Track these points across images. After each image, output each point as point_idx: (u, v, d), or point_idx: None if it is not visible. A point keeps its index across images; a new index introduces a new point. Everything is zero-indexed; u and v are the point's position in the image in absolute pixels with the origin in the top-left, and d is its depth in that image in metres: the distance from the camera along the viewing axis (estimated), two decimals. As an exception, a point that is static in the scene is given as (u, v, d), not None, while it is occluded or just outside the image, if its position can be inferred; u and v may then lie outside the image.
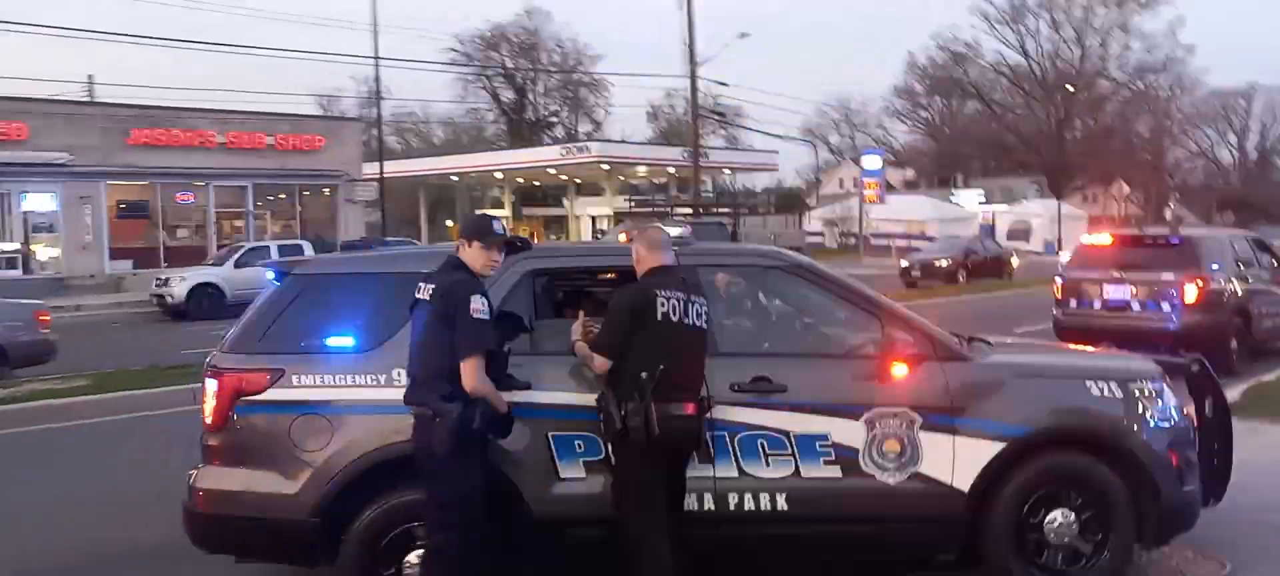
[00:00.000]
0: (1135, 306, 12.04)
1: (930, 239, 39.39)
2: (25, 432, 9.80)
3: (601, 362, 4.33)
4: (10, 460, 8.85)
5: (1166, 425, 4.92)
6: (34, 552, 6.06)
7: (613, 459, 4.42)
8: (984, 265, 31.25)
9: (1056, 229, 51.33)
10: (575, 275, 5.14)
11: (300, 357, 4.61)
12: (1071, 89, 66.38)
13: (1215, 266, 11.94)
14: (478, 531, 4.15)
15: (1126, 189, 64.66)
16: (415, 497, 4.39)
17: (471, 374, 4.01)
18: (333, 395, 4.54)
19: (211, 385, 4.64)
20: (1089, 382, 4.91)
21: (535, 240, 5.51)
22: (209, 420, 4.64)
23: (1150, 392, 4.94)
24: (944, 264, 30.38)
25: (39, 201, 29.47)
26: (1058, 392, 4.95)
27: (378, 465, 4.47)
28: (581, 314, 4.57)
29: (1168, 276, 11.81)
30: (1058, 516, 4.74)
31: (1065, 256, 34.18)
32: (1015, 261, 33.58)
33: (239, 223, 33.37)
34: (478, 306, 4.05)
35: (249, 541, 4.69)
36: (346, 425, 4.51)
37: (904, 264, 31.63)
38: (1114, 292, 12.21)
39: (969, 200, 64.12)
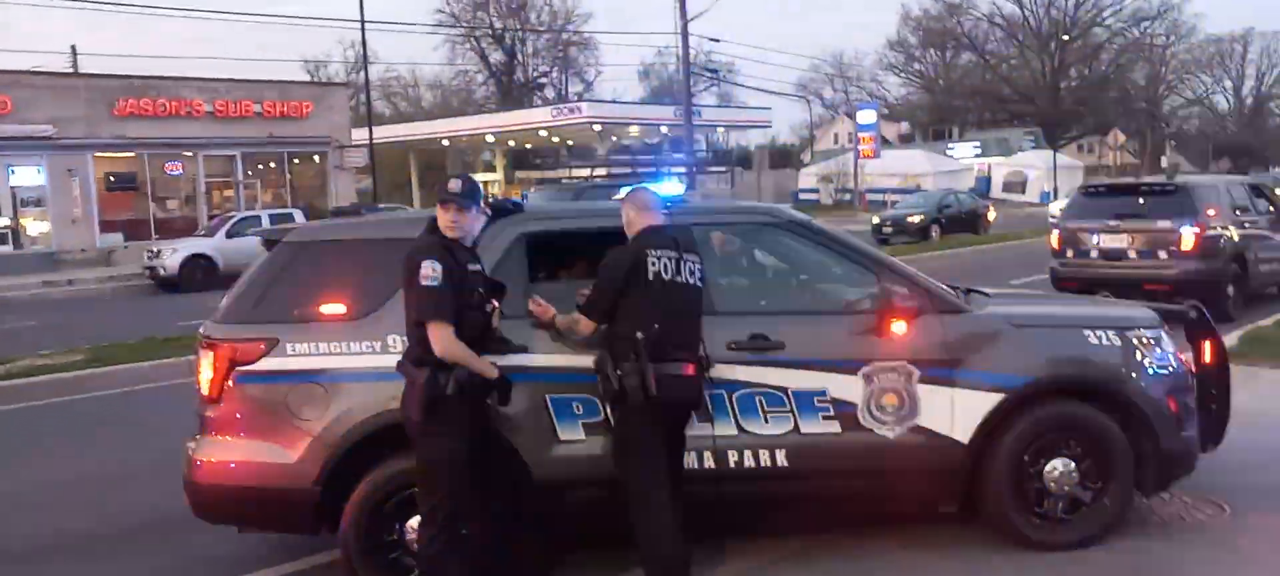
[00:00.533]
0: (1132, 255, 12.04)
1: (911, 193, 38.72)
2: (24, 409, 9.79)
3: (587, 325, 4.31)
4: (10, 435, 8.84)
5: (1165, 372, 4.92)
6: (38, 528, 6.06)
7: (612, 420, 4.40)
8: (959, 219, 30.44)
9: (1052, 179, 51.26)
10: (567, 236, 5.09)
11: (295, 326, 4.57)
12: (1066, 38, 66.06)
13: (1211, 213, 11.92)
14: (463, 495, 4.13)
15: (1122, 138, 64.42)
16: (414, 464, 4.39)
17: (438, 339, 3.96)
18: (329, 363, 4.51)
19: (207, 356, 4.61)
20: (1087, 331, 4.91)
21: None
22: (205, 391, 4.62)
23: (1148, 340, 4.94)
24: (916, 220, 29.34)
25: (26, 175, 29.24)
26: (1056, 342, 4.94)
27: (376, 431, 4.45)
28: (536, 297, 4.48)
29: (1164, 224, 11.81)
30: (1057, 465, 4.76)
31: (1057, 207, 33.79)
32: (992, 215, 32.59)
33: (229, 192, 33.18)
34: (427, 271, 3.95)
35: (250, 511, 4.68)
36: (343, 392, 4.48)
37: (875, 220, 30.63)
38: (1110, 242, 12.21)
39: (964, 153, 63.93)
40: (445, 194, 4.16)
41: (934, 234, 28.80)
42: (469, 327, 4.05)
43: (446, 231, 4.14)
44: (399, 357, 4.23)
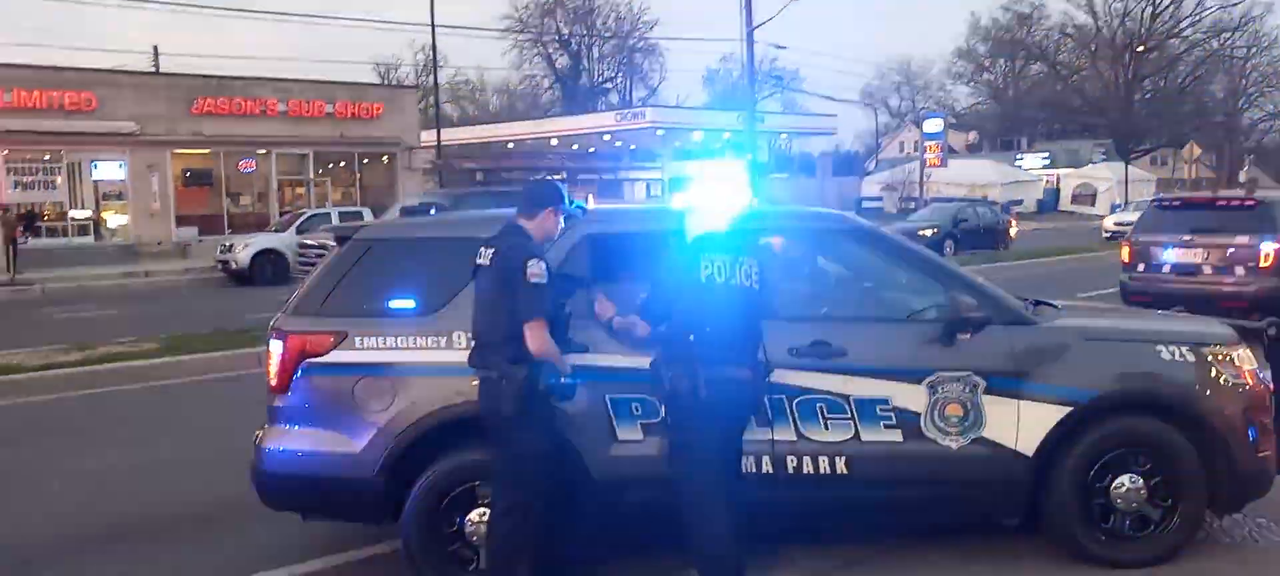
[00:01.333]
0: (1207, 270, 11.70)
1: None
2: (98, 394, 10.12)
3: (643, 327, 4.35)
4: (84, 422, 9.15)
5: (1241, 390, 4.78)
6: (111, 512, 6.26)
7: (668, 421, 4.42)
8: (977, 234, 28.17)
9: (1124, 192, 50.06)
10: (633, 238, 5.12)
11: (363, 320, 4.67)
12: (1141, 49, 64.45)
13: (1292, 229, 11.53)
14: (545, 491, 4.19)
15: (1198, 151, 62.73)
16: (477, 457, 4.46)
17: (536, 337, 4.05)
18: (395, 357, 4.60)
19: (277, 347, 4.72)
20: (1160, 346, 4.79)
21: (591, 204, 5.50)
22: (274, 382, 4.73)
23: (1223, 357, 4.81)
24: (927, 232, 26.75)
25: (108, 170, 30.21)
26: (1126, 356, 4.84)
27: (440, 425, 4.54)
28: (600, 293, 4.54)
29: (1242, 239, 11.46)
30: (1125, 481, 4.66)
31: (1112, 220, 32.51)
32: (1014, 230, 30.30)
33: (300, 190, 33.91)
34: (535, 271, 4.07)
35: (314, 499, 4.78)
36: (409, 386, 4.57)
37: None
38: (1184, 256, 11.89)
39: (1033, 163, 62.76)
40: (562, 203, 4.39)
41: (948, 249, 26.32)
42: (557, 329, 4.17)
43: (542, 235, 4.28)
44: (466, 353, 4.30)
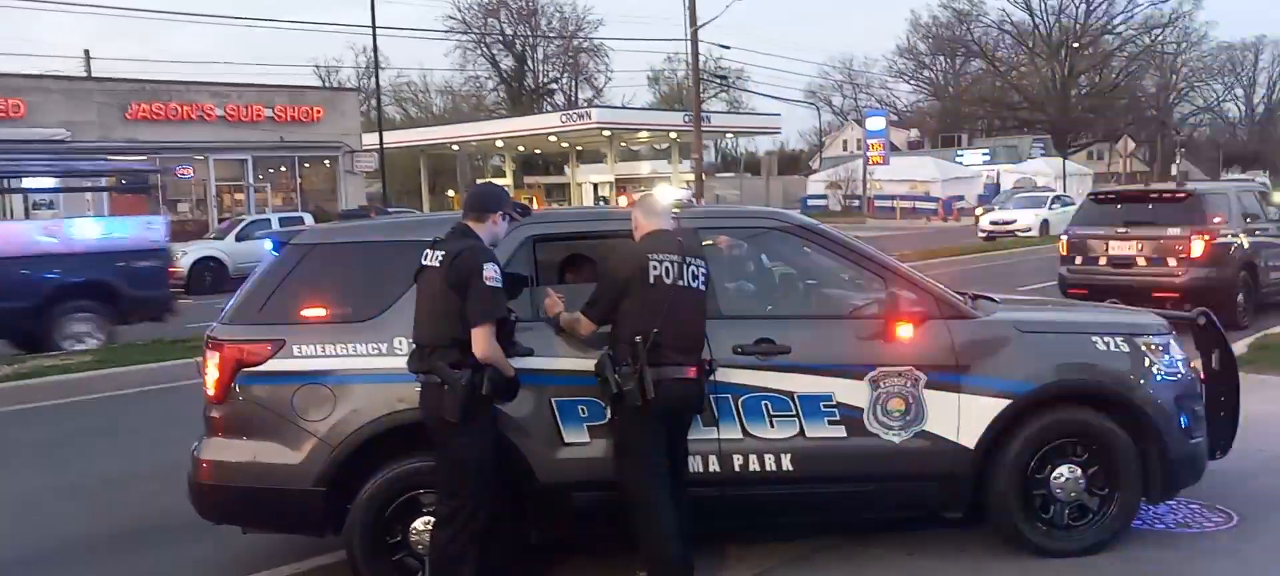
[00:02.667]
0: (1141, 262, 12.00)
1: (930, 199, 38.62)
2: (32, 409, 9.83)
3: (587, 326, 4.32)
4: (16, 438, 8.87)
5: (1173, 379, 4.90)
6: (43, 530, 6.08)
7: (614, 422, 4.40)
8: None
9: (1061, 187, 51.12)
10: (575, 240, 5.10)
11: (301, 327, 4.59)
12: (1076, 45, 65.87)
13: (1220, 220, 11.88)
14: (490, 496, 4.15)
15: (1132, 145, 64.18)
16: (419, 465, 4.40)
17: (483, 341, 4.00)
18: (334, 364, 4.52)
19: (213, 357, 4.61)
20: (1095, 337, 4.89)
21: (536, 207, 5.49)
22: (211, 392, 4.63)
23: (1157, 347, 4.92)
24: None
25: (39, 179, 29.35)
26: (1063, 348, 4.93)
27: (381, 433, 4.47)
28: (550, 289, 4.54)
29: (1174, 231, 11.76)
30: (1064, 471, 4.74)
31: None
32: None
33: (240, 196, 33.31)
34: (491, 274, 4.04)
35: (254, 512, 4.69)
36: (349, 394, 4.49)
37: None
38: (1120, 248, 12.17)
39: (974, 160, 63.80)
40: (509, 205, 4.43)
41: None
42: (503, 332, 4.13)
43: (489, 237, 4.26)
44: (405, 360, 4.25)
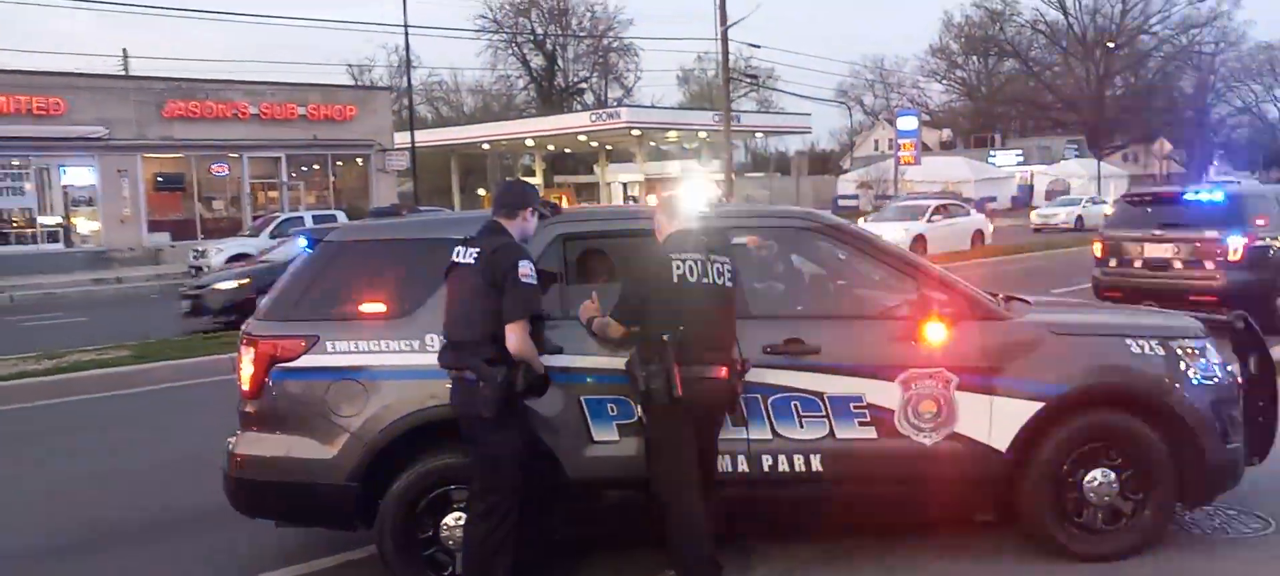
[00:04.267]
0: (1177, 265, 11.82)
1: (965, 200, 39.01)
2: (70, 402, 10.00)
3: (616, 329, 4.33)
4: (57, 429, 9.03)
5: (1210, 383, 4.82)
6: (80, 520, 6.18)
7: (644, 421, 4.41)
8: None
9: (1096, 188, 50.60)
10: (605, 238, 5.11)
11: (334, 324, 4.64)
12: (1112, 45, 65.09)
13: (1260, 222, 11.68)
14: (521, 493, 4.18)
15: (1168, 147, 63.40)
16: (451, 461, 4.43)
17: (519, 338, 4.04)
18: (367, 360, 4.56)
19: (248, 352, 4.67)
20: (1129, 340, 4.83)
21: (565, 206, 5.52)
22: (246, 387, 4.69)
23: (1193, 350, 4.86)
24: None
25: (78, 175, 29.89)
26: (1097, 351, 4.87)
27: (413, 429, 4.50)
28: (593, 294, 4.56)
29: (1211, 234, 11.58)
30: (1097, 475, 4.69)
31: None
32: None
33: (273, 193, 33.67)
34: (526, 271, 4.07)
35: (287, 506, 4.75)
36: (381, 390, 4.53)
37: None
38: (1155, 251, 12.01)
39: (1007, 160, 63.27)
40: (538, 203, 4.48)
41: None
42: (534, 329, 4.17)
43: (520, 234, 4.29)
44: (436, 356, 4.28)
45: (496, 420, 4.05)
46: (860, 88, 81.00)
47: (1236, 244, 11.39)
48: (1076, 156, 63.04)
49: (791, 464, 4.60)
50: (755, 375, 4.48)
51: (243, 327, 4.85)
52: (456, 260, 4.23)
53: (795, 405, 4.58)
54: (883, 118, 77.61)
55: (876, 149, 73.13)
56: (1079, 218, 38.66)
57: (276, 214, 27.71)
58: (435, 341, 4.43)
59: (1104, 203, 38.08)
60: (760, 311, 4.72)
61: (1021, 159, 63.55)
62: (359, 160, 35.41)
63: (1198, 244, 11.64)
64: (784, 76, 63.47)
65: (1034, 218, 41.33)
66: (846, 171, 64.18)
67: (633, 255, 4.51)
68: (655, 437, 4.31)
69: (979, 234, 28.20)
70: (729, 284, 4.32)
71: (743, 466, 4.59)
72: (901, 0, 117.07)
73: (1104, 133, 64.16)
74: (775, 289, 5.24)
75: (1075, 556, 4.69)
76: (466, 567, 4.27)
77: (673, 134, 54.93)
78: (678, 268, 4.21)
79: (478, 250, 4.16)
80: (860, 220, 28.84)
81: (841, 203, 52.76)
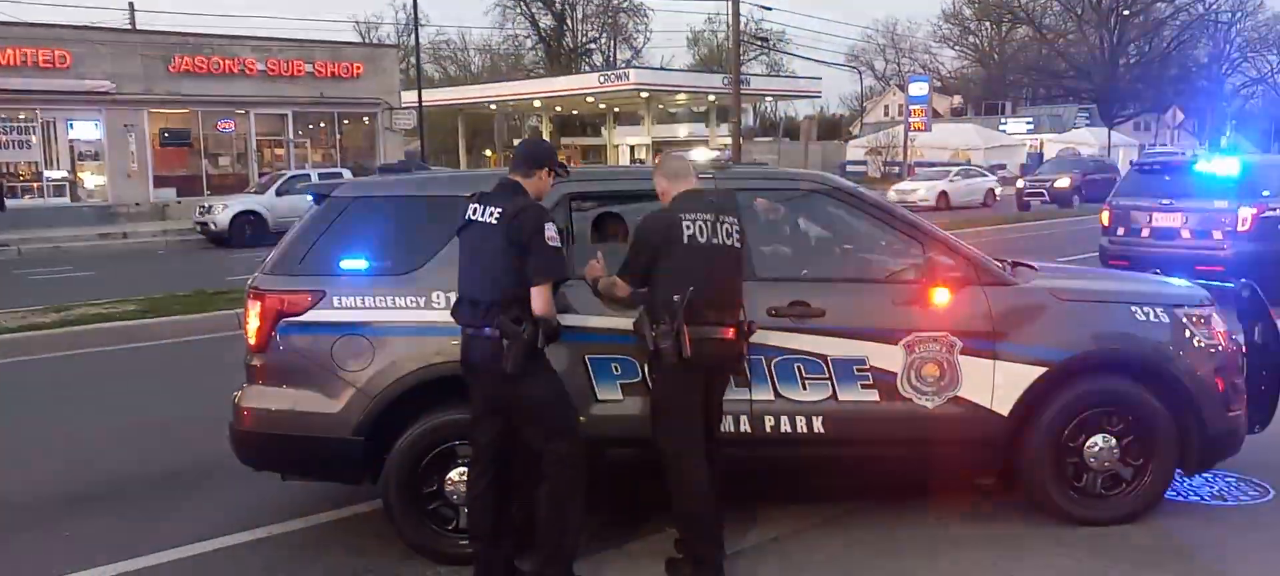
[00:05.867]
0: (1186, 234, 11.78)
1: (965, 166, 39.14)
2: (78, 355, 10.07)
3: (623, 287, 4.33)
4: (63, 382, 9.11)
5: (1213, 351, 4.84)
6: (90, 473, 6.25)
7: (649, 381, 4.43)
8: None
9: (1107, 157, 50.27)
10: (613, 198, 5.11)
11: (341, 279, 4.65)
12: (1126, 13, 64.43)
13: (1268, 193, 11.62)
14: (577, 427, 4.20)
15: (1181, 116, 62.86)
16: (456, 417, 4.45)
17: (544, 298, 4.04)
18: (373, 316, 4.58)
19: (254, 306, 4.69)
20: (1134, 307, 4.84)
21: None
22: (252, 341, 4.71)
23: (1197, 318, 4.86)
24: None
25: (84, 130, 29.83)
26: (1101, 317, 4.88)
27: (419, 385, 4.53)
28: (599, 254, 4.55)
29: (1220, 203, 11.53)
30: (1098, 441, 4.71)
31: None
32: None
33: (279, 151, 33.62)
34: (552, 233, 4.05)
35: (293, 459, 4.79)
36: (387, 346, 4.55)
37: None
38: (1163, 220, 11.96)
39: (1017, 128, 62.85)
40: (556, 161, 4.40)
41: None
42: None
43: (537, 193, 4.25)
44: (445, 313, 4.29)
45: (527, 374, 4.05)
46: (871, 52, 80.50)
47: (1246, 214, 11.34)
48: (1088, 125, 62.58)
49: (794, 425, 4.62)
50: (759, 336, 4.49)
51: (249, 282, 4.86)
52: (473, 218, 4.18)
53: (799, 367, 4.60)
54: (893, 83, 77.10)
55: (886, 115, 72.75)
56: (944, 194, 32.83)
57: (282, 171, 27.67)
58: (442, 298, 4.44)
59: (986, 174, 36.28)
60: (766, 273, 4.72)
61: (1032, 126, 63.10)
62: (366, 118, 35.29)
63: (1207, 213, 11.60)
64: (795, 39, 63.09)
65: (892, 194, 33.04)
66: (856, 137, 63.81)
67: (642, 215, 4.50)
68: (661, 397, 4.32)
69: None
70: (738, 244, 4.32)
71: (746, 427, 4.61)
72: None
73: (1116, 101, 63.64)
74: (781, 251, 5.23)
75: (1075, 520, 4.72)
76: (543, 521, 4.20)
77: (681, 97, 54.71)
78: (688, 228, 4.20)
79: (500, 210, 4.11)
80: (889, 191, 29.89)
81: (850, 168, 52.54)
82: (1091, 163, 37.18)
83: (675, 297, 4.11)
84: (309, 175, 24.81)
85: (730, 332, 4.25)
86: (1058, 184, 32.01)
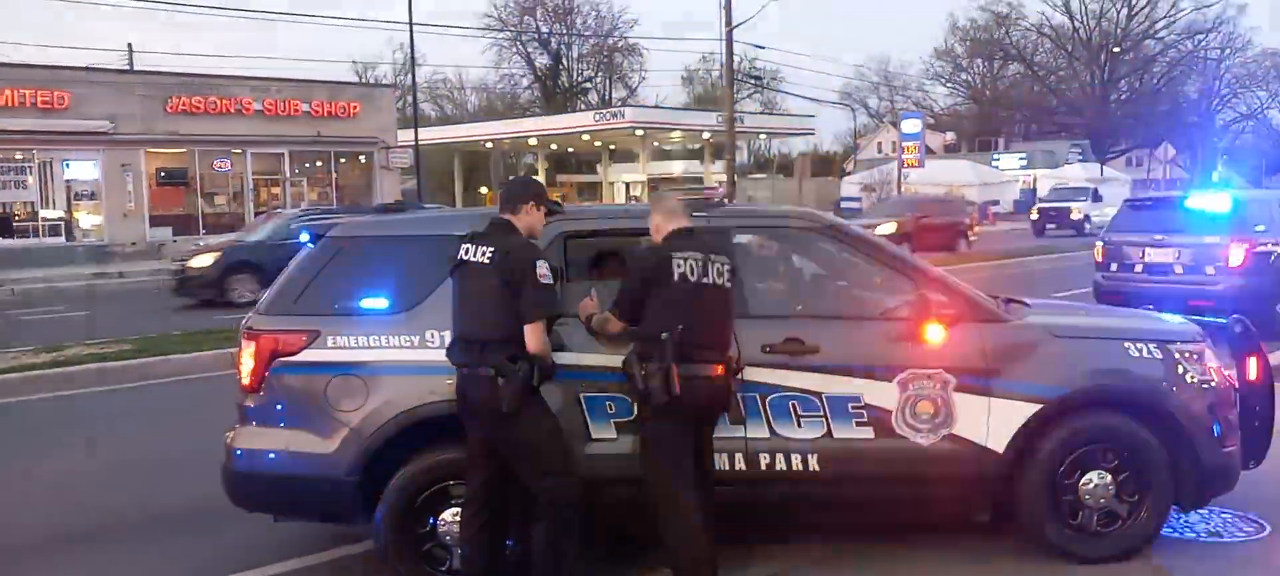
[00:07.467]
0: (1178, 270, 11.82)
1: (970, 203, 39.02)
2: (71, 396, 10.02)
3: (615, 325, 4.34)
4: (54, 424, 9.06)
5: (1207, 387, 4.84)
6: (81, 514, 6.21)
7: (641, 419, 4.42)
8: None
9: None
10: (607, 237, 5.13)
11: (336, 319, 4.65)
12: (1117, 50, 65.05)
13: (1261, 228, 11.68)
14: (573, 467, 4.22)
15: (1172, 152, 63.35)
16: (450, 456, 4.44)
17: (537, 337, 4.06)
18: (368, 356, 4.58)
19: (248, 346, 4.69)
20: (1127, 343, 4.85)
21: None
22: (246, 381, 4.70)
23: (1190, 354, 4.87)
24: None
25: (81, 170, 29.93)
26: (1095, 354, 4.88)
27: (413, 425, 4.52)
28: (593, 290, 4.57)
29: (1212, 239, 11.58)
30: (1094, 478, 4.70)
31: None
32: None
33: (276, 190, 33.71)
34: (543, 271, 4.08)
35: (286, 500, 4.77)
36: (382, 385, 4.55)
37: None
38: (1156, 256, 12.01)
39: (1010, 164, 63.17)
40: (546, 198, 4.45)
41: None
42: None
43: (527, 231, 4.29)
44: (440, 352, 4.28)
45: (523, 412, 4.07)
46: (865, 90, 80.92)
47: (1237, 249, 11.39)
48: (1080, 161, 62.93)
49: (789, 463, 4.61)
50: (754, 374, 4.50)
51: (243, 322, 4.86)
52: (465, 258, 4.20)
53: (793, 404, 4.60)
54: (887, 120, 77.57)
55: (880, 151, 73.07)
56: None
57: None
58: (436, 337, 4.44)
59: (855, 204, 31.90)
60: (760, 311, 4.74)
61: (1025, 162, 63.42)
62: (362, 157, 35.44)
63: (1198, 249, 11.64)
64: (788, 77, 63.49)
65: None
66: (850, 174, 64.07)
67: (632, 253, 4.52)
68: (651, 436, 4.31)
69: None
70: (728, 284, 4.34)
71: (740, 465, 4.60)
72: (907, 3, 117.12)
73: (1108, 137, 64.13)
74: (775, 288, 5.25)
75: (1071, 558, 4.70)
76: (538, 560, 4.26)
77: (676, 134, 54.96)
78: (679, 266, 4.21)
79: (492, 249, 4.14)
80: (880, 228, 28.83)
81: (845, 204, 52.70)
82: (938, 204, 30.41)
83: (664, 336, 4.12)
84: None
85: (719, 370, 4.25)
86: (882, 230, 23.66)
